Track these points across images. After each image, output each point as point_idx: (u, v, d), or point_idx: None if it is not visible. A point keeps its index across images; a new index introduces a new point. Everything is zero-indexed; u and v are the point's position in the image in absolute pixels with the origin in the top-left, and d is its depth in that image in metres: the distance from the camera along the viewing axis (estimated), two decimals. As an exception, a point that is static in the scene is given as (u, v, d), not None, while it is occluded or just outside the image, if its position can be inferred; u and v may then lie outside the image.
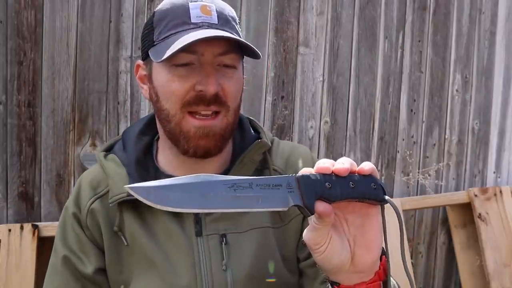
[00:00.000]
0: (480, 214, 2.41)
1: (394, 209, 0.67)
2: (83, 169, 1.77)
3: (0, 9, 1.66)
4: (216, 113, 0.88)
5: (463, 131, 2.55)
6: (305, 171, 0.65)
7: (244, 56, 0.94)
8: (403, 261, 0.69)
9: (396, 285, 0.79)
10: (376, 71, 2.30)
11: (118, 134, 1.80)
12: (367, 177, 0.65)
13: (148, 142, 0.98)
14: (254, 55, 0.90)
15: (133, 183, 0.91)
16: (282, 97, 2.10)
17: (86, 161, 1.79)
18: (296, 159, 0.99)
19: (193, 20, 0.86)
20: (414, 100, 2.40)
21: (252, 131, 1.02)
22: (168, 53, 0.83)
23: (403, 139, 2.39)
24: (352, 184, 0.64)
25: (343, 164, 0.64)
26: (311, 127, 2.17)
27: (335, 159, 0.67)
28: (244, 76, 0.97)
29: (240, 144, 0.97)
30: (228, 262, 0.89)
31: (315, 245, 0.66)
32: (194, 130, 0.87)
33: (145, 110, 1.87)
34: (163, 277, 0.89)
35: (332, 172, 0.64)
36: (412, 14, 2.37)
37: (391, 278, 0.73)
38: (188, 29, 0.85)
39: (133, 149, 0.96)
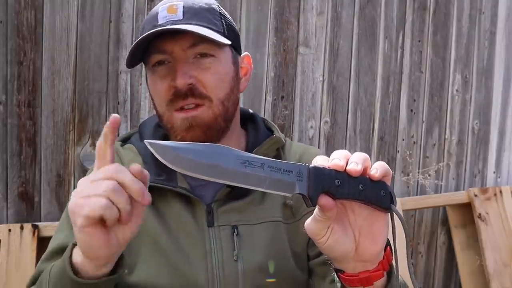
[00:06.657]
0: (480, 214, 2.41)
1: (399, 218, 0.68)
2: (83, 169, 1.77)
3: (0, 9, 1.66)
4: (198, 105, 0.89)
5: (463, 131, 2.55)
6: (320, 161, 0.65)
7: (241, 44, 0.96)
8: (395, 264, 0.70)
9: (402, 281, 0.79)
10: (376, 71, 2.30)
11: (118, 135, 1.80)
12: (379, 183, 0.65)
13: (165, 134, 0.99)
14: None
15: (149, 171, 0.92)
16: (282, 97, 2.10)
17: (86, 161, 1.79)
18: (309, 159, 0.99)
19: (159, 22, 0.89)
20: (414, 100, 2.40)
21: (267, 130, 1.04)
22: (128, 57, 0.90)
23: (403, 139, 2.39)
24: (362, 187, 0.64)
25: (357, 165, 0.64)
26: (311, 127, 2.17)
27: None
28: (242, 66, 0.98)
29: (253, 141, 0.99)
30: (239, 253, 0.89)
31: (316, 235, 0.67)
32: (179, 123, 0.89)
33: (145, 110, 1.87)
34: (173, 265, 0.89)
35: (345, 170, 0.64)
36: (412, 14, 2.37)
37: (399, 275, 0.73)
38: (155, 31, 0.88)
39: (150, 139, 0.97)
